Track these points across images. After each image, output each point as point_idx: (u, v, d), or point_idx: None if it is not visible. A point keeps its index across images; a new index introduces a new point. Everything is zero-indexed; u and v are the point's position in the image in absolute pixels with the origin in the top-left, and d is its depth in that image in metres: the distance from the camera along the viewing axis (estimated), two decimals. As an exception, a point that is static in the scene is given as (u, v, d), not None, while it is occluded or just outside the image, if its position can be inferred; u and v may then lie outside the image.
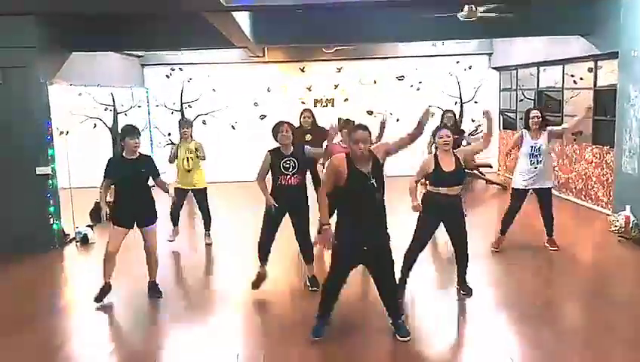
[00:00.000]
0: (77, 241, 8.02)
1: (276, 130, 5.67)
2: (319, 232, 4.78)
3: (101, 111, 12.25)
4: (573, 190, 9.89)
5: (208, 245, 7.79)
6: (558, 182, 10.38)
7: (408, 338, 4.63)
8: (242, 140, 12.80)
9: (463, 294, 5.59)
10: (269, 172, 5.68)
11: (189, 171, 7.58)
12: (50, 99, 7.81)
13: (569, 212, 9.22)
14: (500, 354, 4.42)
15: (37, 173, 7.60)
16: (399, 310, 4.82)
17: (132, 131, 5.57)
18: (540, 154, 6.73)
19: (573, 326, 5.09)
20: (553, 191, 10.28)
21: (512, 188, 7.02)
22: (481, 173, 12.01)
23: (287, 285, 6.11)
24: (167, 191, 5.92)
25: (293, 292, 5.91)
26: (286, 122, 5.75)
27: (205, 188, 7.81)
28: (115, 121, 12.30)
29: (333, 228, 4.58)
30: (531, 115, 6.82)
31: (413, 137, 4.59)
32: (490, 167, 12.52)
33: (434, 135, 5.50)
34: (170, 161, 7.67)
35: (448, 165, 5.32)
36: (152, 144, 12.10)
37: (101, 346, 4.78)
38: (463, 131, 9.03)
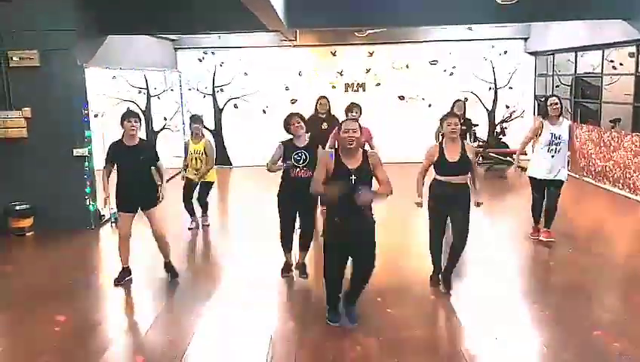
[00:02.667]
0: (112, 222, 8.17)
1: (287, 122, 5.69)
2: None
3: (135, 94, 12.43)
4: (611, 179, 9.67)
5: (205, 226, 8.00)
6: (594, 170, 10.17)
7: (356, 324, 4.69)
8: (273, 124, 12.78)
9: (443, 291, 5.42)
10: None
11: (197, 170, 7.71)
12: (86, 81, 7.93)
13: (605, 201, 9.03)
14: (534, 342, 4.38)
15: (74, 154, 7.76)
16: (357, 296, 4.81)
17: (129, 114, 5.64)
18: (559, 143, 6.58)
19: (609, 314, 5.00)
20: (589, 178, 10.16)
21: (529, 177, 6.92)
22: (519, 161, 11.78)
23: (312, 268, 6.11)
24: (161, 178, 5.82)
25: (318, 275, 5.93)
26: (296, 114, 5.77)
27: (212, 183, 7.94)
28: (149, 104, 12.46)
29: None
30: (550, 102, 6.65)
31: (383, 188, 4.55)
32: (525, 154, 12.27)
33: (441, 122, 5.42)
34: (183, 170, 7.83)
35: (453, 154, 5.21)
36: (184, 127, 12.21)
37: (136, 323, 4.89)
38: (471, 123, 8.77)
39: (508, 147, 12.21)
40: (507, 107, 12.99)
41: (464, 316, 4.95)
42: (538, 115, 12.81)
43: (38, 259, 7.01)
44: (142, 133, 12.08)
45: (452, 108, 8.45)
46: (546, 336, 4.52)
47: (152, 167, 5.75)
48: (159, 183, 5.80)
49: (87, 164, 7.89)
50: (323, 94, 8.72)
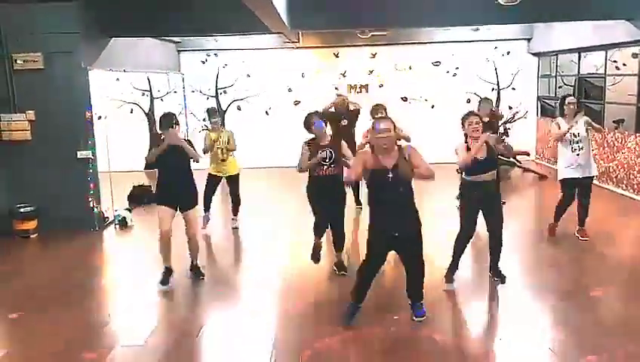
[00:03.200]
0: (116, 224, 8.19)
1: (308, 122, 5.72)
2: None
3: (138, 97, 12.47)
4: (614, 179, 9.65)
5: (235, 228, 7.88)
6: (598, 171, 10.13)
7: (423, 317, 4.73)
8: (276, 126, 12.83)
9: (496, 281, 5.56)
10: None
11: (223, 160, 7.65)
12: (90, 84, 7.96)
13: (609, 201, 9.00)
14: (539, 342, 4.38)
15: (78, 156, 7.78)
16: (420, 293, 4.84)
17: (172, 118, 5.68)
18: (579, 140, 6.59)
19: (613, 316, 4.99)
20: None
21: (560, 181, 6.86)
22: (518, 161, 11.81)
23: (317, 270, 6.10)
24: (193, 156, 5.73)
25: (323, 277, 5.96)
26: (316, 113, 5.82)
27: (238, 175, 7.87)
28: (152, 106, 12.49)
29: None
30: (567, 102, 6.69)
31: (426, 177, 4.54)
32: (528, 155, 12.30)
33: (462, 122, 5.42)
34: (205, 152, 7.53)
35: (480, 152, 5.23)
36: (187, 129, 12.23)
37: (142, 325, 4.89)
38: (500, 117, 8.81)
39: (511, 148, 12.17)
40: (510, 108, 12.97)
41: (470, 315, 4.95)
42: (542, 115, 12.82)
43: (43, 260, 7.03)
44: (147, 135, 12.15)
45: (478, 107, 8.39)
46: (551, 338, 4.50)
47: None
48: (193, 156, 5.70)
49: (90, 166, 7.91)
50: (340, 93, 9.07)
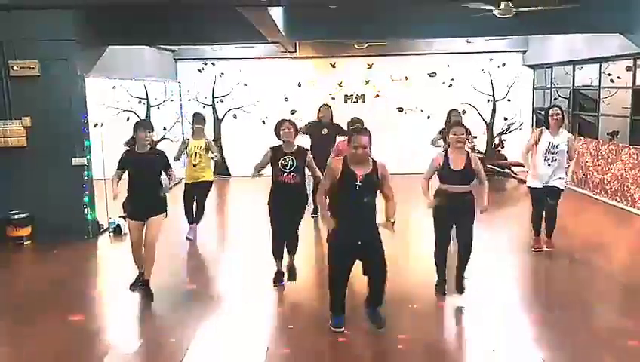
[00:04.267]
0: (110, 232, 8.17)
1: (278, 127, 5.83)
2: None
3: (135, 104, 12.45)
4: (608, 191, 9.69)
5: (187, 239, 7.59)
6: (592, 183, 10.19)
7: (383, 328, 4.67)
8: (273, 135, 12.80)
9: (458, 291, 5.45)
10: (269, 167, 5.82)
11: (195, 166, 7.57)
12: (86, 91, 7.96)
13: (603, 213, 9.04)
14: (531, 355, 4.37)
15: (73, 163, 7.76)
16: (380, 299, 4.77)
17: (143, 125, 5.67)
18: (556, 153, 6.60)
19: (606, 328, 4.99)
20: (586, 191, 10.18)
21: (528, 188, 6.92)
22: (513, 172, 11.86)
23: (303, 278, 6.10)
24: (167, 183, 5.73)
25: (310, 284, 5.99)
26: (287, 120, 5.89)
27: (210, 183, 7.76)
28: (148, 114, 12.48)
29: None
30: (551, 112, 6.70)
31: (388, 202, 4.71)
32: (523, 166, 12.32)
33: (447, 131, 5.45)
34: (175, 160, 7.32)
35: (458, 163, 5.26)
36: (183, 137, 12.22)
37: (133, 335, 4.87)
38: (469, 133, 8.84)
39: (506, 159, 12.24)
40: (505, 119, 13.04)
41: (464, 326, 4.94)
42: (537, 127, 12.88)
43: (36, 267, 7.00)
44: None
45: (447, 118, 8.45)
46: (543, 350, 4.50)
47: (163, 174, 5.71)
48: (167, 184, 5.70)
49: (86, 173, 7.90)
50: (326, 102, 8.93)
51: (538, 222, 6.90)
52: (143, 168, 5.57)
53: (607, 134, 10.22)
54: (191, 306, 5.55)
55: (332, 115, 8.59)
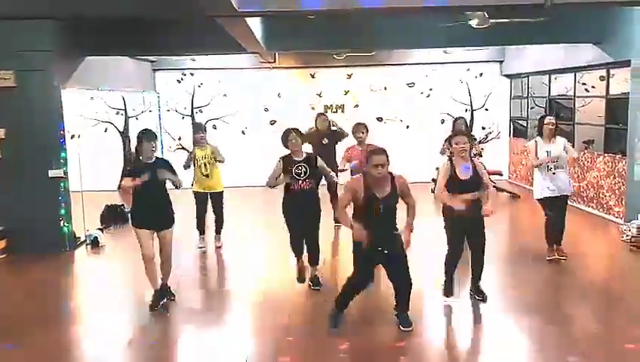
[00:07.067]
0: (87, 244, 8.06)
1: (285, 138, 5.84)
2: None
3: (112, 115, 12.35)
4: (585, 198, 9.83)
5: (218, 248, 7.81)
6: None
7: (411, 328, 4.86)
8: (252, 145, 12.83)
9: (478, 299, 5.58)
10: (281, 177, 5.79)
11: (206, 176, 7.59)
12: (63, 102, 7.87)
13: (580, 221, 9.15)
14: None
15: (49, 175, 7.65)
16: (407, 305, 4.97)
17: (148, 135, 5.59)
18: (556, 160, 6.67)
19: (587, 336, 5.04)
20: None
21: (538, 200, 6.91)
22: (492, 181, 11.94)
23: (291, 287, 6.09)
24: (175, 184, 5.62)
25: (298, 293, 5.96)
26: (293, 129, 5.89)
27: (222, 192, 7.82)
28: (126, 125, 12.38)
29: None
30: (546, 122, 6.77)
31: (411, 210, 4.92)
32: (501, 174, 12.47)
33: (449, 142, 5.50)
34: (185, 168, 7.53)
35: (465, 173, 5.31)
36: (162, 148, 12.15)
37: (113, 348, 4.79)
38: (475, 138, 9.01)
39: (485, 168, 12.32)
40: (483, 128, 13.18)
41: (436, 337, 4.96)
42: (514, 136, 13.05)
43: (12, 282, 6.86)
44: (121, 154, 11.99)
45: (453, 127, 8.47)
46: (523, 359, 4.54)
47: (172, 188, 5.63)
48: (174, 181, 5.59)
49: (62, 185, 7.79)
50: (322, 112, 9.23)
51: (552, 231, 6.85)
52: (151, 178, 5.46)
53: (583, 142, 10.37)
54: (172, 319, 5.49)
55: (330, 124, 8.74)
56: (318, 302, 5.57)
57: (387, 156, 4.65)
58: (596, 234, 8.64)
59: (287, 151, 5.86)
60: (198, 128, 7.87)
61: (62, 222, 7.80)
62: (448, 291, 5.66)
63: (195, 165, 7.58)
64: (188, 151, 7.78)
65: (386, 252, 4.73)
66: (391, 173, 4.73)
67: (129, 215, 5.79)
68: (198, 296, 6.23)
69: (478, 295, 5.61)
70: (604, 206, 9.25)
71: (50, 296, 6.24)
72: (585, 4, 5.79)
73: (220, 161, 7.58)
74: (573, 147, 7.22)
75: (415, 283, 4.94)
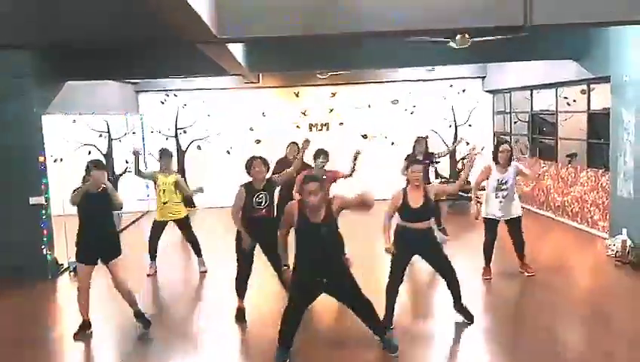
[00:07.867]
0: (70, 271, 7.93)
1: (249, 166, 5.88)
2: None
3: (95, 138, 12.25)
4: (569, 213, 9.88)
5: (203, 272, 7.70)
6: (554, 205, 10.39)
7: (396, 353, 4.77)
8: (238, 165, 12.73)
9: (465, 321, 5.54)
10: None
11: (165, 203, 7.53)
12: (44, 127, 7.79)
13: (565, 235, 9.19)
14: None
15: (30, 203, 7.55)
16: (381, 326, 4.93)
17: (98, 164, 5.57)
18: (506, 189, 6.74)
19: (571, 352, 5.03)
20: (549, 213, 10.37)
21: (483, 218, 6.99)
22: (478, 197, 11.96)
23: (269, 312, 6.03)
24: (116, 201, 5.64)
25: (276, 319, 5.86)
26: (258, 157, 5.94)
27: (186, 217, 7.76)
28: (110, 148, 12.28)
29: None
30: (501, 149, 6.82)
31: (362, 208, 4.74)
32: (483, 189, 12.46)
33: (407, 168, 5.57)
34: (135, 173, 7.62)
35: (416, 201, 5.35)
36: (146, 170, 12.03)
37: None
38: (433, 154, 9.15)
39: (469, 183, 12.36)
40: (467, 144, 13.21)
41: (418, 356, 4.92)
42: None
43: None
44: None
45: (414, 146, 8.60)
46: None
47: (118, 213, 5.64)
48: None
49: (43, 211, 7.68)
50: (293, 140, 9.01)
51: (489, 252, 6.96)
52: (96, 207, 5.45)
53: (566, 156, 10.46)
54: (150, 347, 5.40)
55: (299, 151, 8.61)
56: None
57: (321, 183, 4.63)
58: (581, 248, 8.67)
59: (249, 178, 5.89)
60: (166, 155, 7.80)
61: (44, 250, 7.69)
62: (387, 322, 5.45)
63: (155, 190, 7.57)
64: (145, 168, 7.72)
65: (324, 281, 4.64)
66: (328, 198, 4.74)
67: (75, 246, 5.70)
68: (180, 322, 6.14)
69: (462, 314, 5.56)
70: (589, 220, 9.29)
71: (30, 326, 6.12)
72: (563, 25, 5.84)
73: (188, 196, 7.52)
74: (535, 161, 7.31)
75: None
